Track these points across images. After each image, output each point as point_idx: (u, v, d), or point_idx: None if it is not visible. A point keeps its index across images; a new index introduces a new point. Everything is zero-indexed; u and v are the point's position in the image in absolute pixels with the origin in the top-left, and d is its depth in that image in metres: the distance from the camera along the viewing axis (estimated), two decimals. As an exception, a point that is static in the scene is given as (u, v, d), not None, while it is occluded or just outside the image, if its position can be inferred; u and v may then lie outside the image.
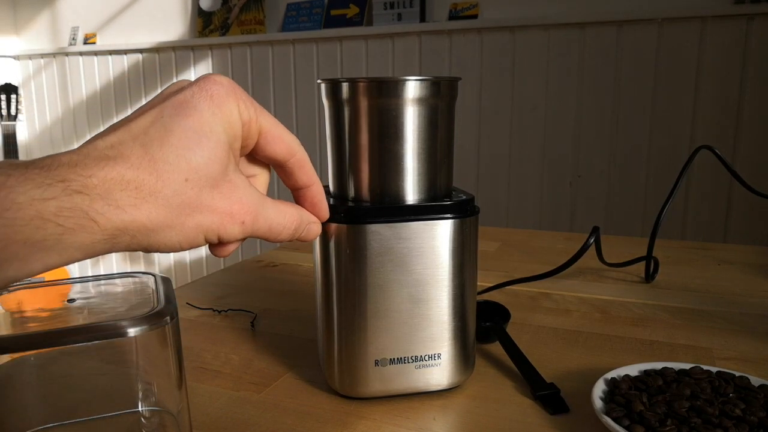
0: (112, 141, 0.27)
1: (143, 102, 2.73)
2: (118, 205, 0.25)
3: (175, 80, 2.63)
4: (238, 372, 0.48)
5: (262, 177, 0.36)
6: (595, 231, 0.66)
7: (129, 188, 0.26)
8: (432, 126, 0.40)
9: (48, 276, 2.91)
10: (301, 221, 0.36)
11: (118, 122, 0.29)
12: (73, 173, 0.25)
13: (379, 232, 0.39)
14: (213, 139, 0.28)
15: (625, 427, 0.34)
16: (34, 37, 3.02)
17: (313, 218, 0.37)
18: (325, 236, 0.41)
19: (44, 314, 0.39)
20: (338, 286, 0.41)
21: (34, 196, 0.23)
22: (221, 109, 0.29)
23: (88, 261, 3.09)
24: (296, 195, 0.38)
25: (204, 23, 2.55)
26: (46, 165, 0.25)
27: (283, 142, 0.33)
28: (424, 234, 0.40)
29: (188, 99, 0.28)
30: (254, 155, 0.34)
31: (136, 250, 0.28)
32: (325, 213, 0.38)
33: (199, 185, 0.28)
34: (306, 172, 0.36)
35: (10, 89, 2.55)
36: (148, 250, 0.28)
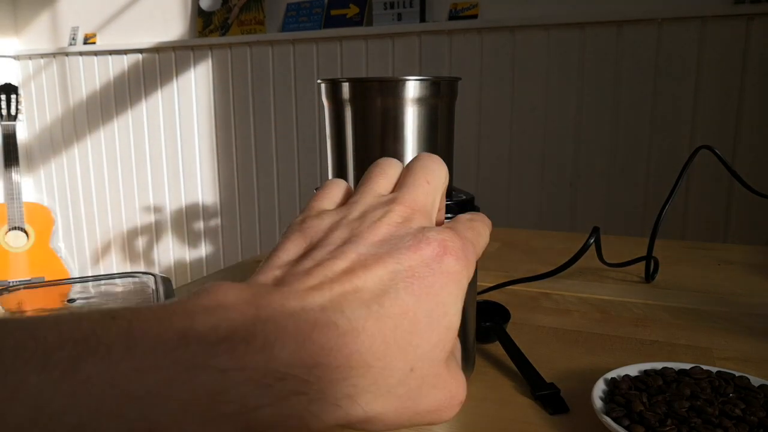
0: (335, 299, 0.21)
1: (143, 102, 2.74)
2: (335, 402, 0.20)
3: (175, 80, 2.64)
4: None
5: None
6: (595, 231, 0.66)
7: (351, 377, 0.20)
8: (432, 126, 0.40)
9: (48, 276, 2.90)
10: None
11: (314, 251, 0.23)
12: (293, 362, 0.19)
13: (379, 232, 0.39)
14: (444, 325, 0.23)
15: (625, 427, 0.34)
16: (34, 37, 3.02)
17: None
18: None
19: (44, 314, 0.39)
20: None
21: (249, 404, 0.18)
22: (459, 288, 0.24)
23: (88, 261, 3.09)
24: None
25: (204, 23, 2.55)
26: (258, 343, 0.19)
27: None
28: (424, 234, 0.40)
29: (424, 274, 0.23)
30: None
31: None
32: None
33: (422, 375, 0.23)
34: None
35: (10, 89, 2.55)
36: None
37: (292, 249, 0.24)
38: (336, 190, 0.29)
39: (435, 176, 0.28)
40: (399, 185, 0.28)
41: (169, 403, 0.17)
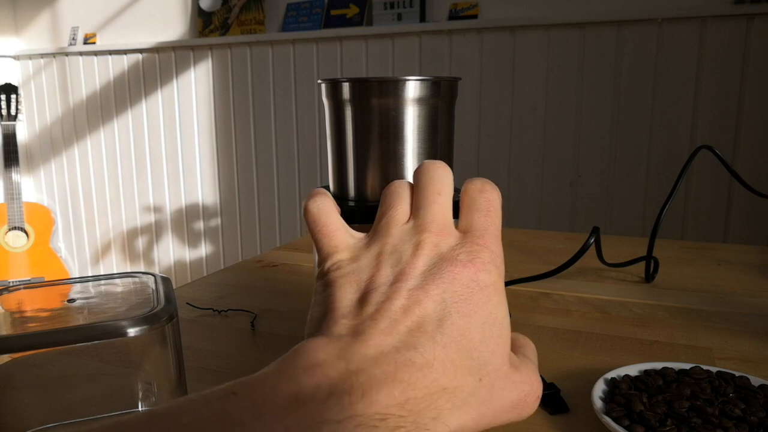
0: (404, 339, 0.24)
1: (143, 102, 2.74)
2: (425, 427, 0.23)
3: (175, 80, 2.64)
4: (238, 372, 0.48)
5: None
6: (596, 231, 0.66)
7: (433, 402, 0.24)
8: (432, 126, 0.40)
9: (48, 276, 2.90)
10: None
11: (374, 292, 0.27)
12: (389, 402, 0.22)
13: (379, 232, 0.39)
14: (496, 332, 0.27)
15: (625, 427, 0.34)
16: (34, 37, 3.02)
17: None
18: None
19: (44, 314, 0.39)
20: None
21: None
22: (498, 294, 0.28)
23: (88, 261, 3.09)
24: None
25: (204, 23, 2.55)
26: (369, 384, 0.22)
27: None
28: (424, 234, 0.40)
29: (467, 295, 0.27)
30: None
31: None
32: None
33: (490, 381, 0.26)
34: None
35: (10, 89, 2.55)
36: None
37: (348, 296, 0.27)
38: (340, 226, 0.32)
39: (443, 185, 0.31)
40: (415, 207, 0.30)
41: None
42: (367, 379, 0.22)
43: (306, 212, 0.32)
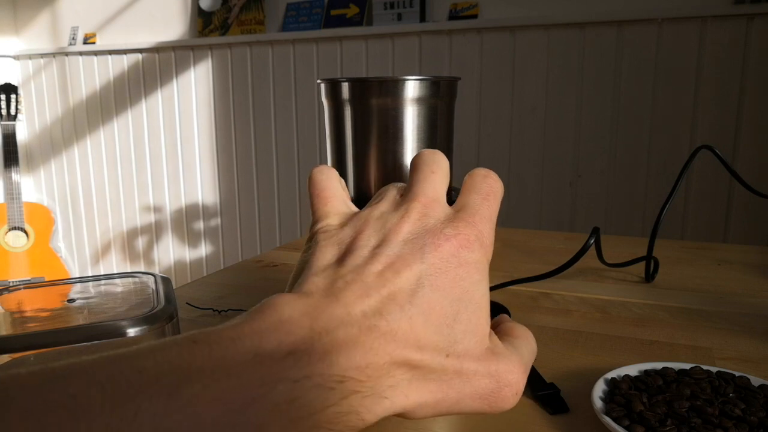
0: (373, 305, 0.24)
1: (143, 102, 2.74)
2: (383, 395, 0.23)
3: (175, 80, 2.64)
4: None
5: None
6: (596, 231, 0.66)
7: (393, 370, 0.23)
8: (432, 126, 0.40)
9: (48, 276, 2.90)
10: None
11: (348, 254, 0.26)
12: (349, 364, 0.22)
13: (379, 232, 0.39)
14: (471, 310, 0.26)
15: (625, 427, 0.34)
16: (34, 37, 3.02)
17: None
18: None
19: (44, 314, 0.39)
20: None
21: (317, 406, 0.21)
22: (480, 273, 0.27)
23: (88, 261, 3.09)
24: None
25: (204, 23, 2.55)
26: (327, 348, 0.22)
27: None
28: (424, 234, 0.40)
29: (446, 268, 0.26)
30: None
31: None
32: None
33: (459, 360, 0.25)
34: None
35: (10, 89, 2.55)
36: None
37: (327, 256, 0.27)
38: (341, 197, 0.32)
39: (438, 165, 0.31)
40: (409, 185, 0.30)
41: (258, 412, 0.20)
42: (330, 341, 0.22)
43: (310, 178, 0.32)
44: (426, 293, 0.25)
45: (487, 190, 0.30)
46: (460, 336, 0.25)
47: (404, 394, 0.24)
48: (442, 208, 0.29)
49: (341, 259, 0.26)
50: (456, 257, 0.26)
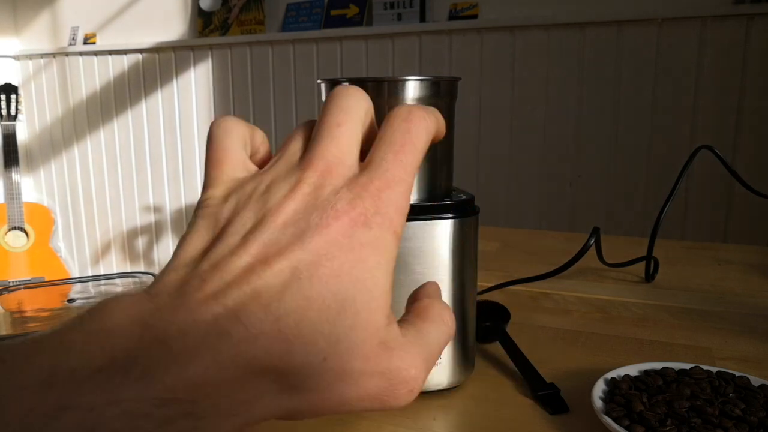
0: (230, 306, 0.19)
1: (143, 102, 2.74)
2: (230, 413, 0.19)
3: (175, 80, 2.64)
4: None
5: None
6: (596, 232, 0.66)
7: (248, 384, 0.19)
8: (432, 126, 0.40)
9: (48, 276, 2.90)
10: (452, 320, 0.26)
11: (221, 248, 0.21)
12: (176, 385, 0.18)
13: (379, 232, 0.39)
14: (362, 302, 0.21)
15: (625, 427, 0.34)
16: (34, 37, 3.02)
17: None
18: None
19: (44, 314, 0.39)
20: (338, 286, 0.41)
21: None
22: (379, 255, 0.22)
23: (88, 261, 3.09)
24: None
25: (204, 23, 2.55)
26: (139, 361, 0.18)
27: None
28: (423, 234, 0.40)
29: (333, 254, 0.21)
30: None
31: None
32: None
33: (340, 362, 0.21)
34: None
35: (10, 89, 2.55)
36: None
37: (196, 242, 0.22)
38: (240, 153, 0.26)
39: (348, 115, 0.25)
40: (310, 141, 0.24)
41: None
42: (160, 354, 0.18)
43: (208, 133, 0.26)
44: (303, 287, 0.20)
45: (403, 139, 0.24)
46: (344, 333, 0.21)
47: (266, 407, 0.20)
48: (343, 174, 0.23)
49: (209, 248, 0.22)
50: (348, 238, 0.21)
